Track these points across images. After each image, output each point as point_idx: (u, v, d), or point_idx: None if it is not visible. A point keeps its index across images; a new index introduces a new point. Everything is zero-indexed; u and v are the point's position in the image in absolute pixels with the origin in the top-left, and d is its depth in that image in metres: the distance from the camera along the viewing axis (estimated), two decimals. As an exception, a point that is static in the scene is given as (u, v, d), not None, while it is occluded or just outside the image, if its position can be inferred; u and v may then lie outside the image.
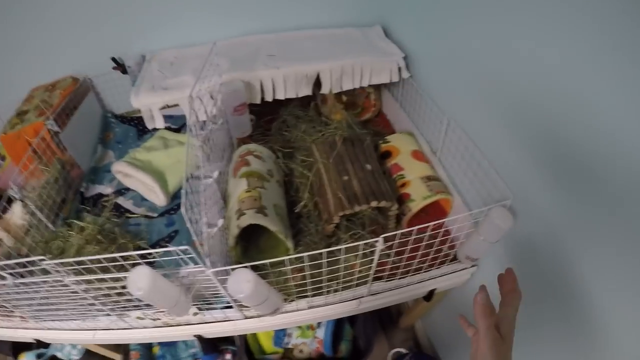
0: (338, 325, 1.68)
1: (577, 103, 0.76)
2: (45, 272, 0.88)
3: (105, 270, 0.89)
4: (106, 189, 1.42)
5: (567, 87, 0.78)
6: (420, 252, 0.98)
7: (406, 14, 1.46)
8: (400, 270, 1.05)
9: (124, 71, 1.53)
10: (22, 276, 0.93)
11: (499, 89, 0.99)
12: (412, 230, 0.89)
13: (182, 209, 0.75)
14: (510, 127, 0.97)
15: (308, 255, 0.85)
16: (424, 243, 0.94)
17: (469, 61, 1.10)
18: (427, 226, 0.89)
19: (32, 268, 0.88)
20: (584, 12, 0.71)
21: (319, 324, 1.63)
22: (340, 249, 0.86)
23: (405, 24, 1.49)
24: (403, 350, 1.81)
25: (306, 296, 1.05)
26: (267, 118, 1.58)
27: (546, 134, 0.85)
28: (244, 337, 1.62)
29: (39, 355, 1.69)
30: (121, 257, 0.83)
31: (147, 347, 1.66)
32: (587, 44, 0.72)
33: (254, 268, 0.86)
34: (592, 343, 0.86)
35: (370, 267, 0.98)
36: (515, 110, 0.94)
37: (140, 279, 0.79)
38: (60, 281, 0.89)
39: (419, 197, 1.19)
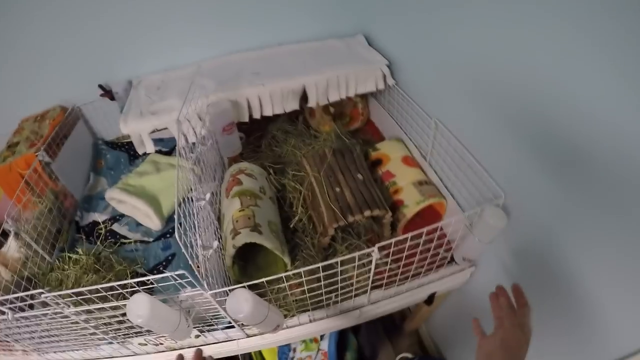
0: (342, 336, 1.67)
1: (565, 96, 0.76)
2: (44, 304, 0.88)
3: (104, 299, 0.89)
4: (101, 217, 1.42)
5: (555, 80, 0.78)
6: (416, 258, 0.98)
7: (387, 21, 1.47)
8: (398, 277, 1.05)
9: (112, 97, 1.54)
10: (21, 310, 0.93)
11: (485, 87, 1.00)
12: (406, 237, 0.90)
13: (176, 234, 0.76)
14: (501, 125, 0.97)
15: (305, 270, 0.86)
16: (419, 248, 0.94)
17: (453, 62, 1.11)
18: (421, 232, 0.90)
19: (32, 301, 0.88)
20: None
21: (322, 336, 1.63)
22: (337, 262, 0.86)
23: (387, 30, 1.51)
24: (409, 355, 1.81)
25: (307, 310, 1.05)
26: (256, 135, 1.59)
27: (537, 128, 0.86)
28: (248, 355, 1.62)
29: (42, 388, 1.66)
30: (119, 285, 0.83)
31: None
32: (572, 32, 0.72)
33: (253, 286, 0.86)
34: (589, 333, 0.86)
35: (368, 276, 0.99)
36: (504, 107, 0.95)
37: (139, 307, 0.79)
38: (61, 313, 0.89)
39: (412, 202, 1.20)
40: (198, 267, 0.85)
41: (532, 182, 0.91)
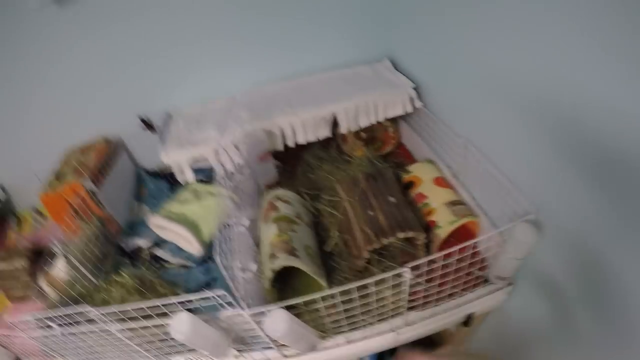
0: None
1: (603, 102, 0.75)
2: (91, 321, 0.94)
3: (147, 317, 0.94)
4: (144, 242, 1.48)
5: (588, 87, 0.77)
6: (451, 277, 0.99)
7: (412, 44, 1.52)
8: (434, 298, 1.06)
9: (152, 128, 1.62)
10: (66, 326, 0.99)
11: (512, 100, 1.01)
12: (439, 256, 0.91)
13: (216, 257, 0.80)
14: (533, 136, 0.96)
15: (339, 291, 0.88)
16: (453, 268, 0.95)
17: (478, 79, 1.13)
18: (453, 251, 0.91)
19: (77, 319, 0.93)
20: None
21: (361, 359, 1.62)
22: (370, 283, 0.88)
23: (412, 53, 1.55)
24: (446, 380, 1.77)
25: (343, 332, 1.07)
26: (292, 162, 1.63)
27: (569, 137, 0.85)
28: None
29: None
30: (162, 304, 0.88)
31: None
32: (609, 39, 0.70)
33: (289, 307, 0.89)
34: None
35: (404, 297, 1.00)
36: (536, 118, 0.94)
37: (181, 324, 0.84)
38: (106, 330, 0.94)
39: (445, 223, 1.21)
40: (237, 288, 0.89)
41: (571, 194, 0.89)
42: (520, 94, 0.98)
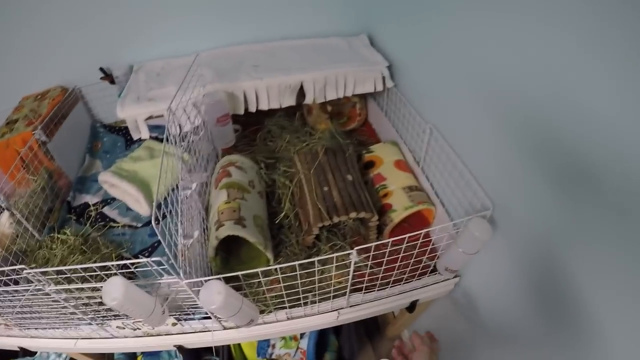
0: (322, 336, 1.66)
1: (567, 103, 0.73)
2: (28, 280, 0.90)
3: (84, 280, 0.90)
4: (93, 199, 1.43)
5: (557, 86, 0.74)
6: (398, 264, 0.98)
7: (391, 23, 1.47)
8: (379, 282, 1.05)
9: (112, 81, 1.55)
10: (5, 284, 0.95)
11: (484, 94, 0.98)
12: (388, 242, 0.89)
13: (152, 222, 0.77)
14: (500, 135, 0.94)
15: (281, 267, 0.86)
16: (401, 255, 0.94)
17: (453, 68, 1.10)
18: (403, 238, 0.90)
19: (16, 276, 0.90)
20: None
21: (302, 334, 1.62)
22: (315, 261, 0.86)
23: (390, 32, 1.50)
24: (388, 361, 1.80)
25: (284, 307, 1.05)
26: (253, 128, 1.59)
27: (536, 137, 0.82)
28: (227, 347, 1.62)
29: (23, 364, 1.68)
30: (100, 267, 0.84)
31: (131, 357, 1.67)
32: (579, 36, 0.68)
33: (231, 279, 0.86)
34: (589, 351, 0.82)
35: (348, 278, 0.99)
36: (504, 118, 0.92)
37: (114, 289, 0.80)
38: (42, 290, 0.90)
39: (400, 207, 1.19)
40: (176, 255, 0.86)
41: (529, 194, 0.88)
42: (489, 89, 0.95)
